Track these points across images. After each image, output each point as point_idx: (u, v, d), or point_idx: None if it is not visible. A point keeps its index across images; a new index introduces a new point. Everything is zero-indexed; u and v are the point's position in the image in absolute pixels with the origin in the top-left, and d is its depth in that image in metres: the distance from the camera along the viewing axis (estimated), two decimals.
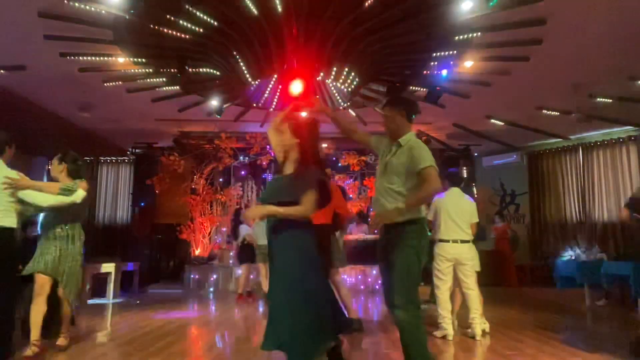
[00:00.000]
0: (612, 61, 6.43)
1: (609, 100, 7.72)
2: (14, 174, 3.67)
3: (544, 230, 11.05)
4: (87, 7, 5.13)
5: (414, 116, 3.07)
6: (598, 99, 7.70)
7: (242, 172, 11.04)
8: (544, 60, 6.36)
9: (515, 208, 11.57)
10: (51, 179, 4.11)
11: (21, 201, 3.68)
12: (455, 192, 4.88)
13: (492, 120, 9.11)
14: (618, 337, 4.90)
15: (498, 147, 11.15)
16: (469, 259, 4.66)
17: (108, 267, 7.99)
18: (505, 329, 5.14)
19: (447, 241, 4.65)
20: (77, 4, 5.05)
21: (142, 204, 10.97)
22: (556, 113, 8.41)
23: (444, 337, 4.59)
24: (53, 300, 3.93)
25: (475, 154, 11.62)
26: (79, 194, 3.92)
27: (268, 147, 10.13)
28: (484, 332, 4.72)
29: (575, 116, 8.30)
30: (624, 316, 6.34)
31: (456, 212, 4.72)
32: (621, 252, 8.83)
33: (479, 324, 4.63)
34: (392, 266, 2.84)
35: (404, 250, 2.81)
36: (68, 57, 6.25)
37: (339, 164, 10.74)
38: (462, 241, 4.65)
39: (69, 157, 4.17)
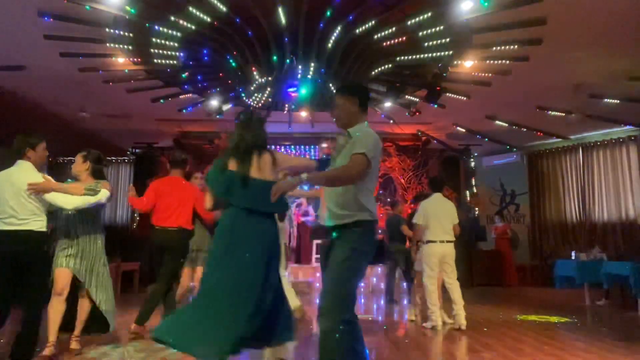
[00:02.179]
0: (612, 61, 6.43)
1: (609, 100, 7.72)
2: (39, 177, 3.62)
3: (544, 230, 11.04)
4: (87, 7, 5.14)
5: (367, 104, 2.81)
6: (598, 99, 7.70)
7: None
8: (544, 60, 6.36)
9: (515, 208, 11.57)
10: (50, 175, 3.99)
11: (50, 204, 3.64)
12: (438, 197, 5.36)
13: (492, 120, 9.11)
14: (618, 337, 4.90)
15: (498, 147, 11.16)
16: (452, 256, 5.20)
17: None
18: (505, 329, 5.15)
19: (435, 242, 5.13)
20: (77, 4, 5.06)
21: None
22: (556, 113, 8.42)
23: (433, 327, 5.05)
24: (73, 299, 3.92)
25: (475, 154, 11.62)
26: (104, 194, 3.86)
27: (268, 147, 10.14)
28: (460, 328, 5.06)
29: (575, 116, 8.30)
30: (623, 316, 6.35)
31: (442, 215, 5.21)
32: (621, 252, 8.82)
33: (462, 315, 5.08)
34: (329, 268, 2.53)
35: (345, 252, 2.48)
36: (68, 57, 6.26)
37: None
38: (448, 241, 5.16)
39: (93, 155, 4.11)
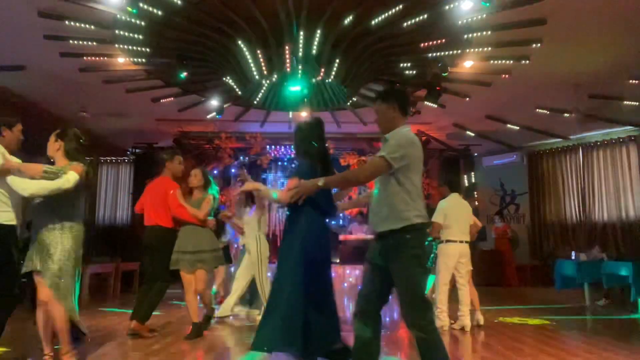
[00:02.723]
0: (612, 61, 6.43)
1: (609, 100, 7.72)
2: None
3: (543, 230, 11.04)
4: (87, 7, 5.14)
5: (407, 109, 2.80)
6: (598, 99, 7.70)
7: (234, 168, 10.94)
8: (544, 60, 6.36)
9: (515, 208, 11.57)
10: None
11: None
12: (456, 197, 5.37)
13: (492, 120, 9.11)
14: (618, 337, 4.90)
15: (498, 147, 11.15)
16: (468, 257, 5.27)
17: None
18: (505, 329, 5.14)
19: (455, 241, 5.14)
20: (77, 4, 5.06)
21: None
22: (556, 113, 8.42)
23: (440, 327, 4.91)
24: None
25: (475, 154, 11.62)
26: (68, 180, 3.10)
27: (268, 147, 10.14)
28: (479, 326, 5.16)
29: (575, 116, 8.30)
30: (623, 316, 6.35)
31: (460, 215, 5.23)
32: (621, 252, 8.82)
33: (467, 316, 5.08)
34: (395, 280, 2.54)
35: (406, 261, 2.50)
36: (68, 57, 6.26)
37: (339, 164, 10.73)
38: (465, 242, 5.21)
39: (68, 133, 3.46)
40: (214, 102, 7.58)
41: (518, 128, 9.45)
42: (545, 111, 8.42)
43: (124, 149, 11.64)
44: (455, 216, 5.20)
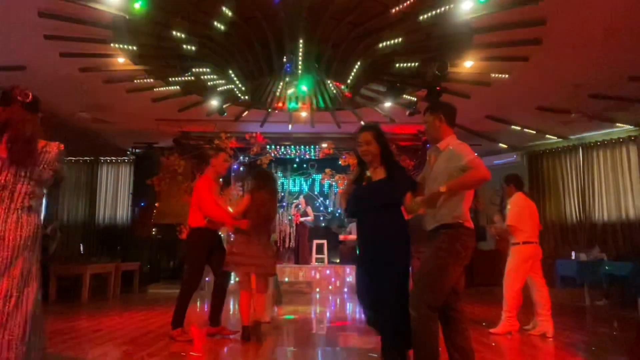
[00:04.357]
0: (612, 61, 6.43)
1: (609, 100, 7.71)
2: None
3: (543, 230, 10.96)
4: (87, 7, 5.13)
5: (453, 120, 3.09)
6: (598, 99, 7.69)
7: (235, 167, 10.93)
8: (544, 60, 6.36)
9: None
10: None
11: None
12: (524, 195, 5.28)
13: (492, 120, 9.10)
14: (618, 337, 4.90)
15: (498, 147, 11.15)
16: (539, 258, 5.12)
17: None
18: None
19: (532, 243, 5.05)
20: (77, 4, 5.05)
21: (142, 204, 10.96)
22: (556, 113, 8.41)
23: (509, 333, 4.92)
24: None
25: (475, 154, 11.61)
26: None
27: (268, 147, 10.14)
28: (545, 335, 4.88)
29: (575, 116, 8.30)
30: (623, 316, 6.34)
31: (531, 215, 5.14)
32: (621, 252, 8.82)
33: (549, 321, 4.86)
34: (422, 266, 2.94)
35: (435, 253, 2.87)
36: (68, 57, 6.25)
37: (339, 164, 10.74)
38: (537, 242, 5.12)
39: None
40: (214, 102, 7.55)
41: (518, 128, 9.44)
42: (545, 111, 8.42)
43: (124, 149, 11.64)
44: (531, 216, 5.11)
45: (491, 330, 5.04)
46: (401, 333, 2.98)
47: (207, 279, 9.48)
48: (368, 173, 3.30)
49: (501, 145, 10.97)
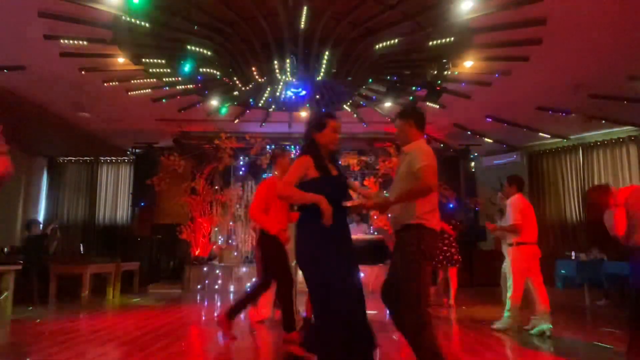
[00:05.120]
0: (612, 61, 6.43)
1: (609, 100, 7.71)
2: None
3: (544, 230, 11.00)
4: (87, 7, 5.14)
5: (423, 125, 3.18)
6: (598, 99, 7.69)
7: (242, 169, 10.94)
8: (544, 60, 6.36)
9: None
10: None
11: None
12: (523, 196, 5.30)
13: (492, 120, 9.11)
14: (618, 337, 4.89)
15: (498, 147, 11.15)
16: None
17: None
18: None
19: (533, 243, 5.07)
20: (77, 4, 5.05)
21: (142, 204, 10.96)
22: (556, 113, 8.41)
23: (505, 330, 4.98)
24: None
25: (475, 154, 11.61)
26: None
27: (268, 147, 10.13)
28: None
29: (575, 116, 8.30)
30: (624, 316, 6.34)
31: (532, 216, 5.16)
32: (621, 252, 8.81)
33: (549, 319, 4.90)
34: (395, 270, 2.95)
35: (403, 256, 2.88)
36: (68, 57, 6.26)
37: (339, 164, 10.72)
38: (536, 243, 5.13)
39: None
40: (214, 102, 7.56)
41: (517, 128, 9.44)
42: (545, 111, 8.42)
43: (124, 149, 11.64)
44: (529, 216, 5.13)
45: (493, 327, 5.12)
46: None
47: (206, 281, 9.49)
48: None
49: (501, 145, 10.97)
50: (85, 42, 5.87)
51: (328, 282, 2.68)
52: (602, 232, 3.79)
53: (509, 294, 5.12)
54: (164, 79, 7.03)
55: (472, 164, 11.57)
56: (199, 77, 6.92)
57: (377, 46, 5.98)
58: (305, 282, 2.79)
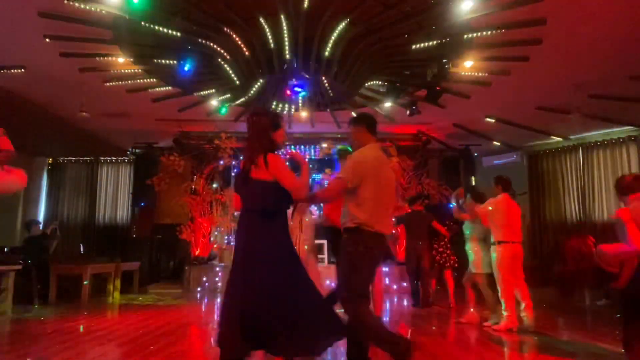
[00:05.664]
0: (612, 61, 6.43)
1: (609, 100, 7.71)
2: None
3: (544, 230, 11.03)
4: (87, 7, 5.14)
5: (374, 129, 3.37)
6: (598, 99, 7.69)
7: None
8: (544, 60, 6.36)
9: None
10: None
11: None
12: (506, 198, 5.36)
13: (493, 120, 9.10)
14: (617, 337, 4.90)
15: (498, 147, 11.15)
16: (522, 258, 5.28)
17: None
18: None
19: (515, 242, 5.18)
20: (77, 4, 5.06)
21: (142, 204, 10.96)
22: (556, 113, 8.41)
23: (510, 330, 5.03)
24: None
25: (475, 154, 11.61)
26: None
27: None
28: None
29: (575, 116, 8.29)
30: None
31: (514, 216, 5.25)
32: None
33: (530, 316, 5.13)
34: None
35: (344, 256, 3.12)
36: (68, 57, 6.26)
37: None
38: (518, 242, 5.23)
39: None
40: (214, 102, 7.56)
41: (517, 128, 9.44)
42: (545, 111, 8.41)
43: (124, 149, 11.63)
44: (507, 217, 5.21)
45: (494, 327, 5.15)
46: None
47: (206, 282, 9.48)
48: None
49: (501, 145, 10.97)
50: (85, 42, 5.87)
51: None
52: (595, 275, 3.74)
53: (500, 294, 5.21)
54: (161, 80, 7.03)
55: (472, 164, 11.56)
56: (198, 77, 6.92)
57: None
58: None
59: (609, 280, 3.48)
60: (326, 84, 6.50)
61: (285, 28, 5.59)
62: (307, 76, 6.12)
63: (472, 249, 5.59)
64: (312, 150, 11.25)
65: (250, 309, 2.78)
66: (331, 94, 6.89)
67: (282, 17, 5.41)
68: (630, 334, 3.38)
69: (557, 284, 4.14)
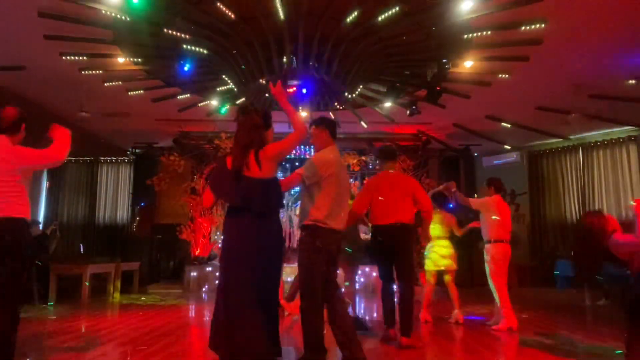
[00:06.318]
0: (612, 61, 6.43)
1: (609, 100, 7.71)
2: None
3: (544, 230, 11.03)
4: (87, 7, 5.14)
5: (335, 132, 3.54)
6: (598, 99, 7.69)
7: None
8: (544, 60, 6.36)
9: (515, 208, 11.53)
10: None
11: None
12: (499, 198, 5.52)
13: (492, 120, 9.10)
14: (617, 337, 4.90)
15: (498, 147, 11.15)
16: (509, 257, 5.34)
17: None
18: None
19: (505, 242, 5.25)
20: (77, 4, 5.06)
21: (142, 204, 10.96)
22: (556, 113, 8.41)
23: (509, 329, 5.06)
24: None
25: (475, 154, 11.61)
26: None
27: None
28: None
29: (575, 116, 8.29)
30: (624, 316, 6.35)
31: (506, 216, 5.38)
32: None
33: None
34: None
35: (301, 253, 3.32)
36: (68, 57, 6.25)
37: None
38: (508, 242, 5.31)
39: None
40: (214, 102, 7.55)
41: (517, 128, 9.44)
42: (545, 111, 8.41)
43: (124, 149, 11.63)
44: (502, 216, 5.32)
45: (493, 327, 5.16)
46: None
47: (206, 282, 9.48)
48: None
49: (501, 145, 10.97)
50: (85, 42, 5.87)
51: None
52: (602, 259, 3.76)
53: (494, 294, 5.25)
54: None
55: (472, 164, 11.57)
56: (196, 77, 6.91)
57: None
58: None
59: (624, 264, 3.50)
60: (326, 84, 6.49)
61: (285, 28, 5.59)
62: (306, 76, 6.12)
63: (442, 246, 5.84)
64: (312, 151, 11.25)
65: (271, 306, 3.05)
66: (331, 94, 6.89)
67: (282, 17, 5.41)
68: (634, 335, 3.37)
69: (577, 259, 4.17)
